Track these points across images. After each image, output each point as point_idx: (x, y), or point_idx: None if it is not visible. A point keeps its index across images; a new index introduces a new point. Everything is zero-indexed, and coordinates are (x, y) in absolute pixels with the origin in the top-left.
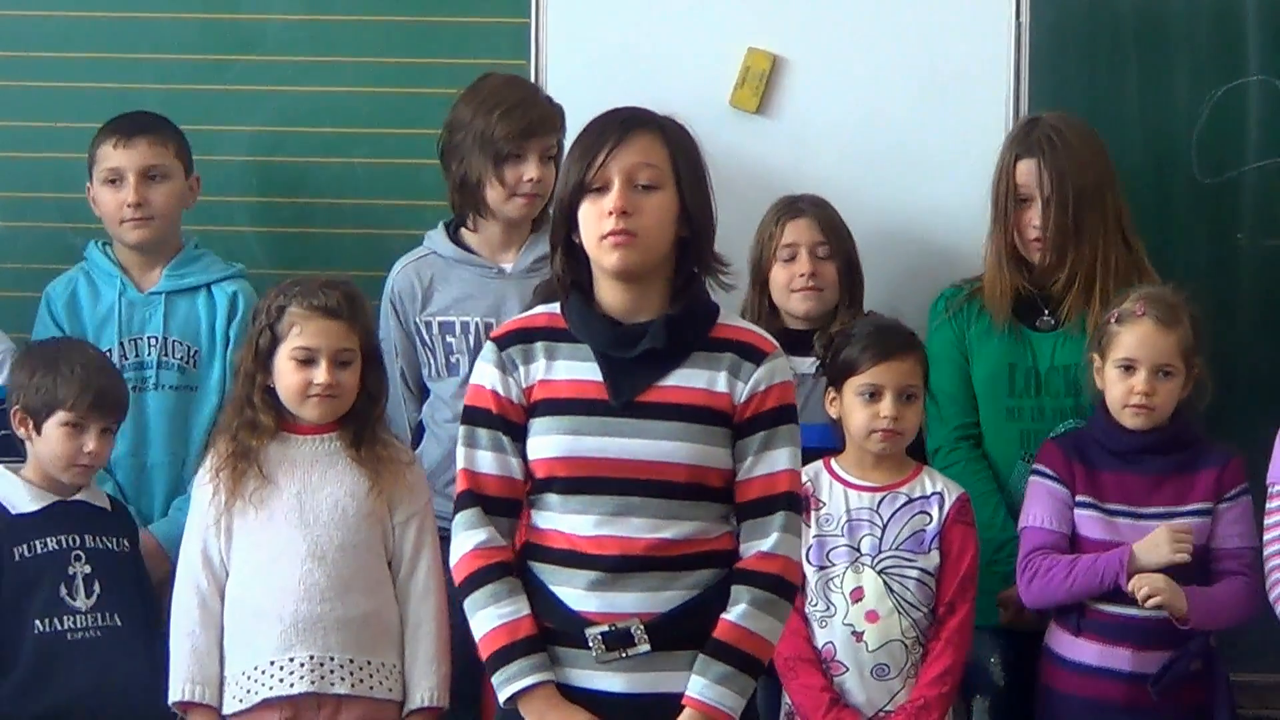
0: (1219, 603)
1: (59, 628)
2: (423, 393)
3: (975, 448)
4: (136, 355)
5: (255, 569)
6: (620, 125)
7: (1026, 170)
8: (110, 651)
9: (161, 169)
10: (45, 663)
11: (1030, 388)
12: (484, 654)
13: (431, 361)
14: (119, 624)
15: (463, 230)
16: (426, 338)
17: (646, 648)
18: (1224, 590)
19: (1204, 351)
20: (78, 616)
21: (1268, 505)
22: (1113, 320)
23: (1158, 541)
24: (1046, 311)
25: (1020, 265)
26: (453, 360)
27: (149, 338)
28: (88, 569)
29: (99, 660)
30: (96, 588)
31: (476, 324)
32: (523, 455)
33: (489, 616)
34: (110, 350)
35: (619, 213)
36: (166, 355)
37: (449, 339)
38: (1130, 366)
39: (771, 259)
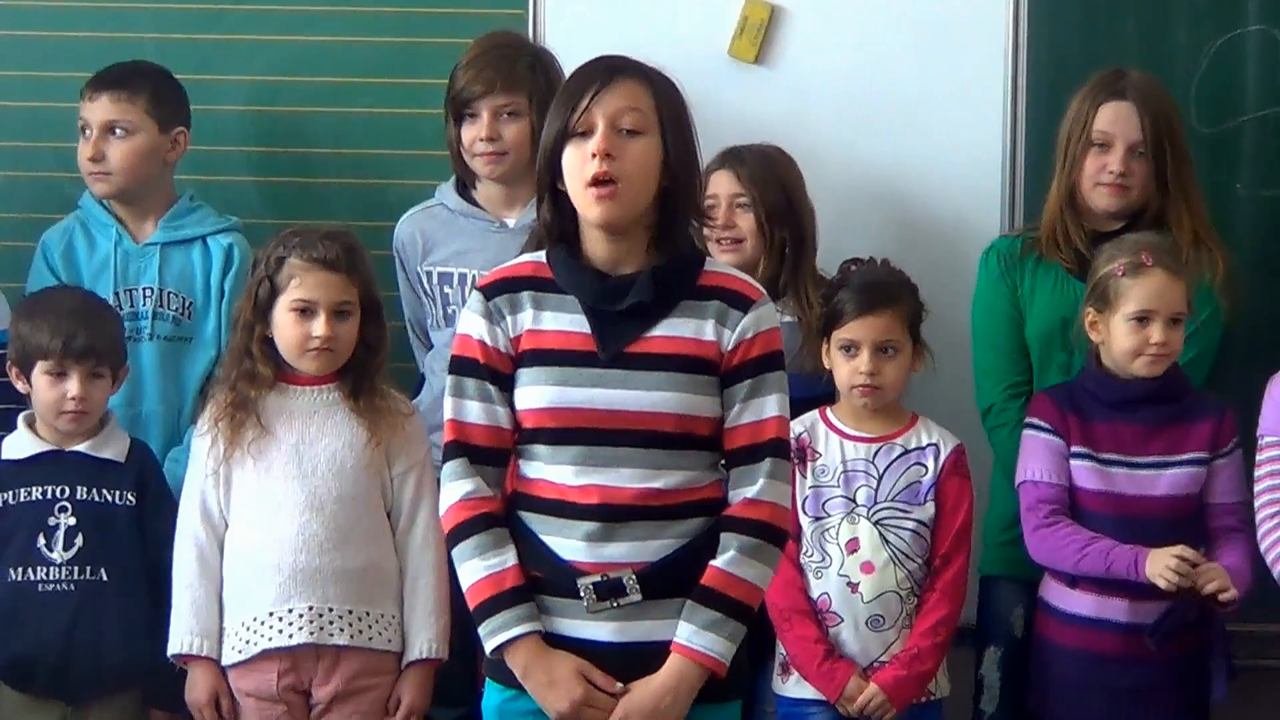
0: (1243, 570)
1: (31, 578)
2: (430, 340)
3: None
4: (132, 306)
5: (253, 520)
6: (605, 71)
7: (1114, 115)
8: (83, 606)
9: (124, 124)
10: (14, 612)
11: (1083, 342)
12: (471, 604)
13: (433, 311)
14: (103, 579)
15: (477, 187)
16: (426, 287)
17: (638, 597)
18: (1240, 560)
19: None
20: (51, 568)
21: (1258, 457)
22: (1120, 274)
23: (1163, 563)
24: None
25: (1078, 216)
26: (449, 311)
27: (144, 289)
28: (71, 521)
29: (68, 614)
30: (79, 540)
31: (475, 276)
32: (510, 405)
33: (475, 568)
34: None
35: (602, 155)
36: (162, 306)
37: (446, 290)
38: (1145, 318)
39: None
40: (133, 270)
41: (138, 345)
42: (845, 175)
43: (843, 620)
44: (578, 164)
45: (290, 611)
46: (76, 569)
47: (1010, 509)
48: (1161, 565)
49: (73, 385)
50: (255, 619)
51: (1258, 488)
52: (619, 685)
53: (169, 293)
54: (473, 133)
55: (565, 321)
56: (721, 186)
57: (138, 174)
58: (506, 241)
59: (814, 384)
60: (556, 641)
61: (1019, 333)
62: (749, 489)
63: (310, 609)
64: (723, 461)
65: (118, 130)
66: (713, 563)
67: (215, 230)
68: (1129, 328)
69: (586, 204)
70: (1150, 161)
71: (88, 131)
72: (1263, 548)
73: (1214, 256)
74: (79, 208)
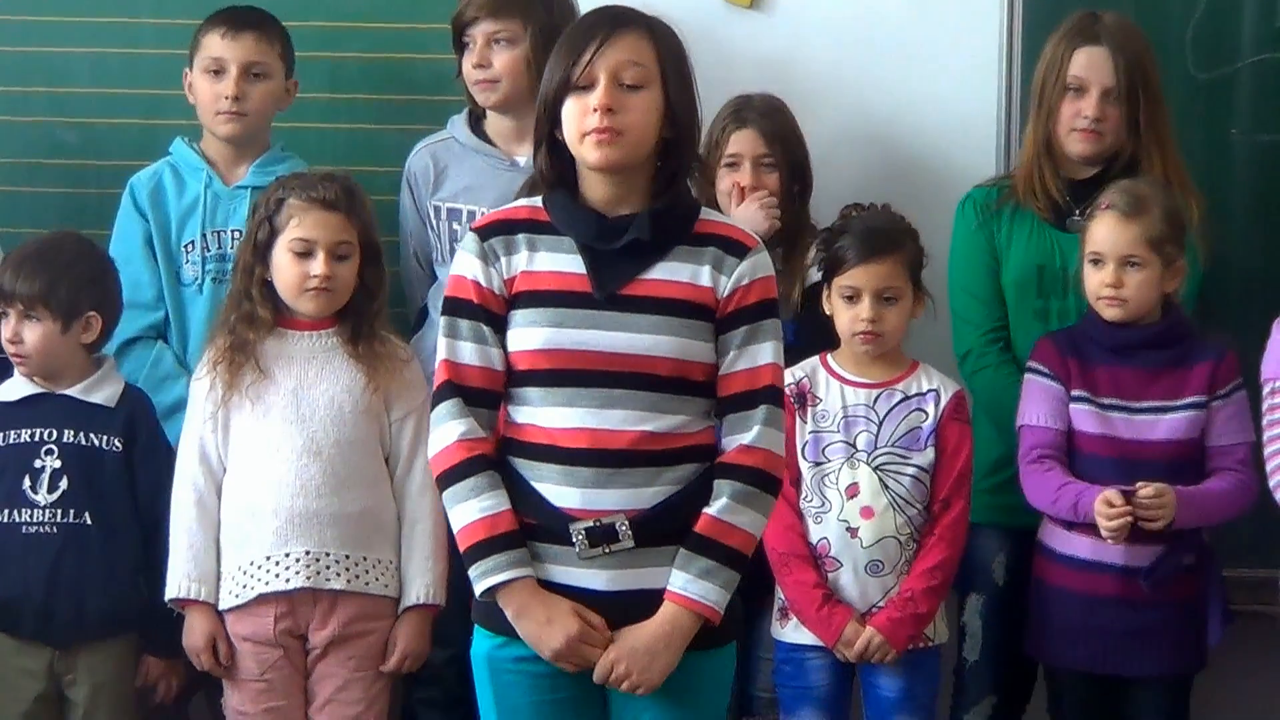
0: (1210, 501)
1: (15, 520)
2: (432, 275)
3: (1005, 350)
4: (219, 247)
5: (251, 464)
6: (608, 23)
7: (1087, 60)
8: (66, 549)
9: (263, 67)
10: None
11: (1059, 288)
12: (462, 546)
13: (439, 246)
14: (87, 522)
15: (486, 119)
16: (434, 223)
17: (631, 544)
18: (1215, 487)
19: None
20: (35, 510)
21: (1266, 403)
22: (1085, 215)
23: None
24: (1078, 211)
25: (1054, 163)
26: (456, 247)
27: (232, 231)
28: (58, 464)
29: (51, 556)
30: (64, 484)
31: (483, 214)
32: (504, 347)
33: (469, 509)
34: (193, 242)
35: (604, 110)
36: None
37: (455, 226)
38: (1097, 260)
39: (716, 164)
40: (221, 212)
41: (223, 287)
42: (841, 120)
43: (842, 565)
44: (578, 116)
45: (287, 556)
46: (60, 512)
47: (990, 456)
48: (1102, 505)
49: (6, 327)
50: (252, 563)
51: (1266, 435)
52: (610, 634)
53: None
54: (469, 61)
55: (561, 262)
56: (745, 145)
57: (267, 117)
58: (517, 179)
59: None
60: (549, 589)
61: (995, 280)
62: (744, 435)
63: (307, 553)
64: (714, 409)
65: (258, 73)
66: (706, 510)
67: None
68: (1089, 269)
69: (585, 149)
70: (1124, 106)
71: (222, 70)
72: (1277, 497)
73: (1188, 202)
74: (169, 152)
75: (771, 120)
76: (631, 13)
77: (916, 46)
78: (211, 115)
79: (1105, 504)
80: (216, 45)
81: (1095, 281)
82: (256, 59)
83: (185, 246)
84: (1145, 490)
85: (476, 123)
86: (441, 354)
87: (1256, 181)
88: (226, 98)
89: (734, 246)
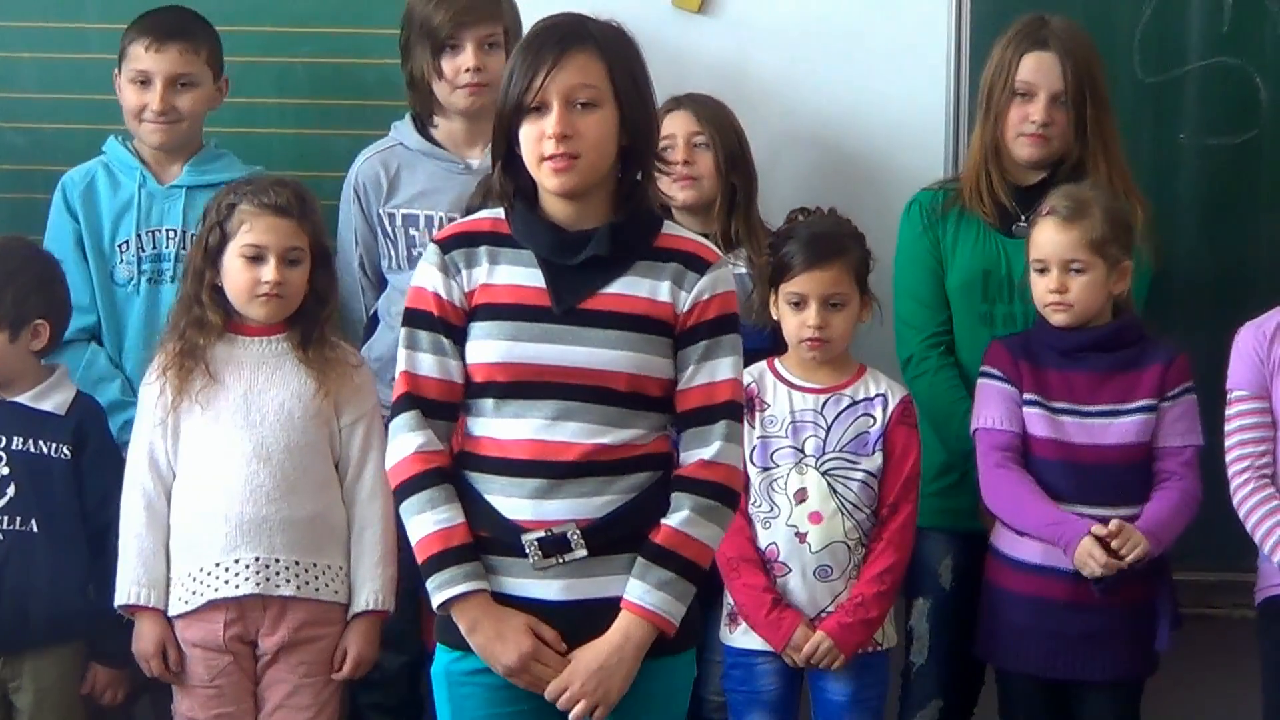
0: (1166, 531)
1: None
2: (380, 283)
3: (947, 354)
4: (154, 247)
5: (201, 470)
6: (557, 44)
7: (1035, 64)
8: (11, 556)
9: (190, 76)
10: None
11: (1004, 294)
12: (419, 559)
13: (392, 253)
14: (33, 530)
15: (431, 123)
16: (389, 229)
17: (583, 553)
18: (1166, 510)
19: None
20: None
21: (1227, 411)
22: (1030, 222)
23: (1084, 556)
24: (1024, 218)
25: (1001, 167)
26: (415, 253)
27: (167, 230)
28: (5, 471)
29: None
30: (10, 490)
31: (441, 218)
32: (463, 359)
33: (425, 522)
34: (127, 242)
35: (559, 137)
36: (185, 248)
37: (412, 232)
38: (1042, 267)
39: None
40: (156, 212)
41: (159, 287)
42: (789, 123)
43: (790, 570)
44: (534, 140)
45: (237, 562)
46: (6, 519)
47: (936, 460)
48: (1085, 556)
49: None
50: (202, 569)
51: (1228, 442)
52: (565, 647)
53: (192, 235)
54: (457, 64)
55: (520, 275)
56: (678, 126)
57: (198, 121)
58: (471, 183)
59: (759, 336)
60: (504, 601)
61: (940, 284)
62: (705, 450)
63: (257, 559)
64: (670, 422)
65: (184, 82)
66: (665, 521)
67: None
68: (1034, 277)
69: (544, 175)
70: (1072, 111)
71: (147, 82)
72: (1235, 500)
73: (1133, 206)
74: (102, 152)
75: (706, 105)
76: (579, 28)
77: (865, 50)
78: (137, 123)
79: (1089, 557)
80: (141, 57)
81: (1040, 288)
82: (183, 70)
83: (119, 246)
84: (1117, 541)
85: (422, 128)
86: (401, 365)
87: (1203, 185)
88: (153, 110)
89: (695, 262)
